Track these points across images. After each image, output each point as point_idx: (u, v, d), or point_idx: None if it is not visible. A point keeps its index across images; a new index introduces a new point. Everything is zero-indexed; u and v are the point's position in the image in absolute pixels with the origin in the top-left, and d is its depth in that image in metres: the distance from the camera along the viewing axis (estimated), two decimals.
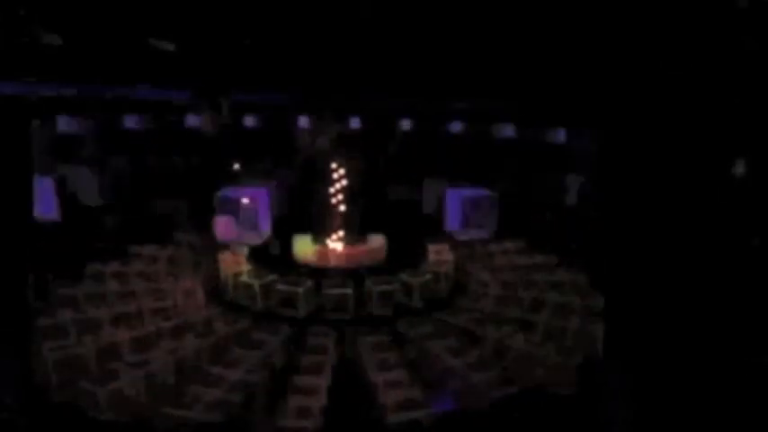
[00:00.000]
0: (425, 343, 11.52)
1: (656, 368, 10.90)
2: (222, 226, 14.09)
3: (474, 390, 10.44)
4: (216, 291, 13.60)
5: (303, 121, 15.26)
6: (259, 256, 14.53)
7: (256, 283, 13.01)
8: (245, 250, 14.37)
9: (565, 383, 10.78)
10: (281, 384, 10.73)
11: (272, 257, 14.55)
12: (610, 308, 12.34)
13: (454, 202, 16.49)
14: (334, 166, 14.12)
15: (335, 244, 14.76)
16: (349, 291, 12.87)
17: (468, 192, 16.34)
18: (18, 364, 11.05)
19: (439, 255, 14.63)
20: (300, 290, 12.70)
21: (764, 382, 10.34)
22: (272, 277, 13.27)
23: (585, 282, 13.72)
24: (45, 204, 15.77)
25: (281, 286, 12.89)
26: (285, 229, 15.33)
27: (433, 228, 16.23)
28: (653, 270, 12.89)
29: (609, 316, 12.06)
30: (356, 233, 14.74)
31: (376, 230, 15.09)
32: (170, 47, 12.88)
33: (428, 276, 13.48)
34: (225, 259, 13.93)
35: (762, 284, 12.03)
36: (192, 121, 13.44)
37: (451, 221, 16.56)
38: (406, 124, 17.18)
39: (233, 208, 14.57)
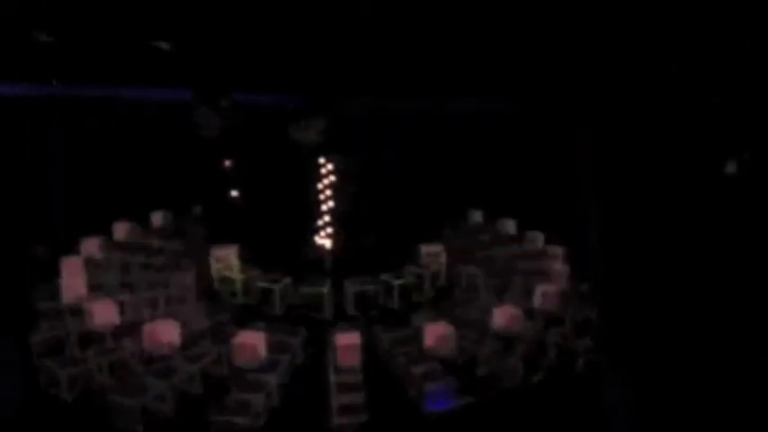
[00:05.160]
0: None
1: (655, 366, 11.08)
2: None
3: (506, 375, 10.95)
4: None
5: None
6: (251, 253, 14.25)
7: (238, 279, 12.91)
8: (235, 248, 14.05)
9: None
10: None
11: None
12: (606, 305, 12.35)
13: None
14: (322, 161, 13.79)
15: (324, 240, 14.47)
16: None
17: None
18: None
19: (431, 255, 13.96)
20: (325, 290, 12.62)
21: (765, 382, 10.58)
22: (255, 273, 13.12)
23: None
24: None
25: (303, 288, 12.82)
26: None
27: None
28: (651, 268, 12.91)
29: (605, 313, 12.15)
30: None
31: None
32: (166, 46, 12.55)
33: (410, 277, 13.17)
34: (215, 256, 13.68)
35: (762, 282, 12.21)
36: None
37: None
38: None
39: None
